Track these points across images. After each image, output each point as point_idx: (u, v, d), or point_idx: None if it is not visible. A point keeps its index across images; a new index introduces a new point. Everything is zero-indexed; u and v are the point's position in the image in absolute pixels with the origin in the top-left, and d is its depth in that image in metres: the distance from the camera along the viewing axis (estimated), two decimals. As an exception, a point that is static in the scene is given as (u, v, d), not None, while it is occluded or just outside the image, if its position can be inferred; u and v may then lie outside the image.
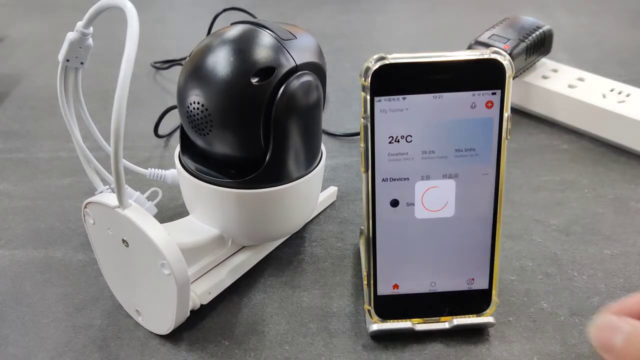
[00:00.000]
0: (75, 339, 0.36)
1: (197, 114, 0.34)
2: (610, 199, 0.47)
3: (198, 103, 0.34)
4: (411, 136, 0.31)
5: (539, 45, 0.58)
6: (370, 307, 0.35)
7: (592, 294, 0.38)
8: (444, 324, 0.35)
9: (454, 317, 0.35)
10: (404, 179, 0.32)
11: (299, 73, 0.34)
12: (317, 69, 0.36)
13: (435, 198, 0.33)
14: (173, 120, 0.57)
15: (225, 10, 0.66)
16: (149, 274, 0.33)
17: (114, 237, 0.34)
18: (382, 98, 0.30)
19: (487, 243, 0.34)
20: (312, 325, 0.36)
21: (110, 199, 0.32)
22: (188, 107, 0.34)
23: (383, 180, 0.32)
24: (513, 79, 0.31)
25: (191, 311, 0.35)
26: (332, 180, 0.50)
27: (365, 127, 0.31)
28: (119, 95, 0.29)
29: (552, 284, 0.39)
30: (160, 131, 0.56)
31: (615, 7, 0.88)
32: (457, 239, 0.34)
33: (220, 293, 0.38)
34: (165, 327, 0.35)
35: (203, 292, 0.36)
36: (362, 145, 0.31)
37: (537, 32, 0.57)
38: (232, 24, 0.36)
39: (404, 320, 0.35)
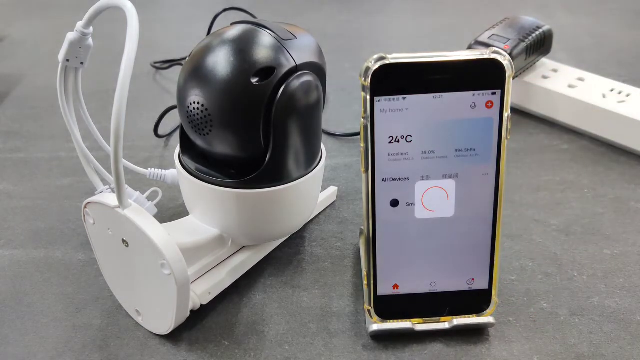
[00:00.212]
0: (75, 338, 0.36)
1: (197, 114, 0.34)
2: (610, 199, 0.47)
3: (198, 103, 0.34)
4: (411, 136, 0.31)
5: (539, 45, 0.58)
6: (370, 307, 0.35)
7: (592, 294, 0.38)
8: (444, 324, 0.35)
9: (454, 317, 0.35)
10: (404, 179, 0.32)
11: (299, 73, 0.34)
12: (317, 69, 0.36)
13: (435, 198, 0.33)
14: (173, 120, 0.57)
15: (225, 10, 0.66)
16: (148, 274, 0.33)
17: (114, 237, 0.34)
18: (382, 98, 0.30)
19: (487, 243, 0.34)
20: (312, 325, 0.36)
21: (110, 199, 0.32)
22: (188, 107, 0.34)
23: (383, 180, 0.32)
24: (513, 79, 0.31)
25: (191, 311, 0.35)
26: (332, 180, 0.50)
27: (365, 127, 0.31)
28: (119, 95, 0.29)
29: (552, 284, 0.39)
30: (160, 131, 0.56)
31: (615, 7, 0.88)
32: (457, 239, 0.34)
33: (220, 293, 0.38)
34: (165, 327, 0.35)
35: (203, 292, 0.36)
36: (362, 145, 0.31)
37: (537, 32, 0.57)
38: (232, 24, 0.36)
39: (404, 320, 0.35)
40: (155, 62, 0.70)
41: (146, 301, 0.35)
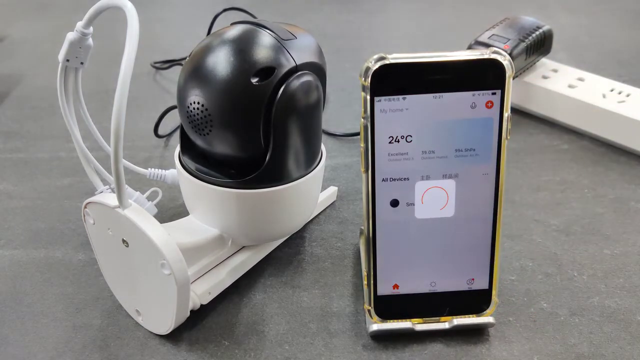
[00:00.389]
0: (75, 338, 0.36)
1: (197, 114, 0.34)
2: (610, 199, 0.47)
3: (198, 103, 0.34)
4: (411, 136, 0.31)
5: (539, 45, 0.58)
6: (370, 307, 0.35)
7: (592, 294, 0.38)
8: (444, 324, 0.35)
9: (454, 317, 0.35)
10: (404, 179, 0.32)
11: (299, 73, 0.34)
12: (317, 69, 0.36)
13: (435, 198, 0.33)
14: (173, 120, 0.57)
15: (225, 10, 0.66)
16: (149, 274, 0.33)
17: (114, 237, 0.34)
18: (382, 98, 0.30)
19: (487, 243, 0.34)
20: (312, 325, 0.36)
21: (110, 199, 0.32)
22: (188, 107, 0.34)
23: (383, 180, 0.32)
24: (513, 79, 0.31)
25: (191, 311, 0.35)
26: (332, 180, 0.50)
27: (365, 127, 0.31)
28: (119, 95, 0.29)
29: (552, 284, 0.39)
30: (160, 131, 0.56)
31: (615, 7, 0.88)
32: (457, 239, 0.34)
33: (220, 293, 0.38)
34: (165, 327, 0.35)
35: (203, 292, 0.36)
36: (362, 145, 0.31)
37: (537, 32, 0.57)
38: (232, 24, 0.36)
39: (404, 320, 0.35)
40: (155, 62, 0.70)
41: (146, 301, 0.35)
